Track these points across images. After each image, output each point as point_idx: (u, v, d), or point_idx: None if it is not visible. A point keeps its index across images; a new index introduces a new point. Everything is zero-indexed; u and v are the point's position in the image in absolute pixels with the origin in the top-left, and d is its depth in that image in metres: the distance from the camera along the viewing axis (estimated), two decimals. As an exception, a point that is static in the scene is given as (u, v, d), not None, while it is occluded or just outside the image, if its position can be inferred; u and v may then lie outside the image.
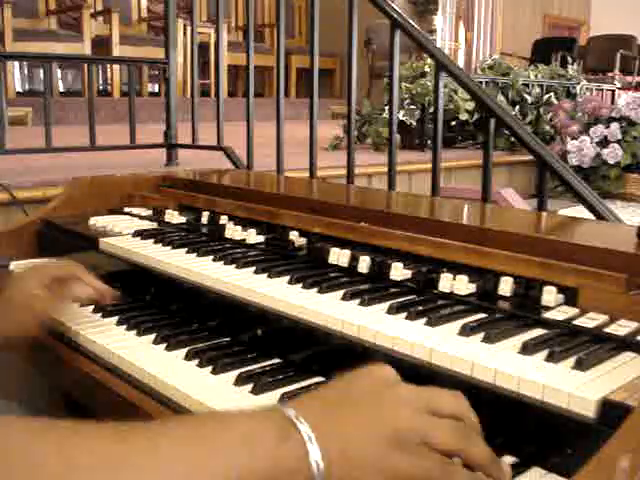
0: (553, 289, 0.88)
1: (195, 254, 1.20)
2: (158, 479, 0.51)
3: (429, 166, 2.34)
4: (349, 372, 0.63)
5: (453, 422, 0.59)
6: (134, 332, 1.05)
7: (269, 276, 1.06)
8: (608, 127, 4.59)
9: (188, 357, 0.94)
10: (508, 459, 0.67)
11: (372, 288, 0.99)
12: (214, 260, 1.16)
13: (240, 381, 0.86)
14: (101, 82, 7.65)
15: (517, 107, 4.95)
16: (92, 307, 1.15)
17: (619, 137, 4.54)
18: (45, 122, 2.85)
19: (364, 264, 1.05)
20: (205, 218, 1.41)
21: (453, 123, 4.61)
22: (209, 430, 0.55)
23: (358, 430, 0.56)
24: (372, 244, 1.13)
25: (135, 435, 0.54)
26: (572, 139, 4.65)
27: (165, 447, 0.53)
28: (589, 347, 0.75)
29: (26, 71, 7.42)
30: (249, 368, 0.89)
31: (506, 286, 0.92)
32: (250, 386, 0.84)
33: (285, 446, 0.54)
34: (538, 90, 5.08)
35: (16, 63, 6.76)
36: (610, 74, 7.69)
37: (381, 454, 0.55)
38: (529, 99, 4.99)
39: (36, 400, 0.97)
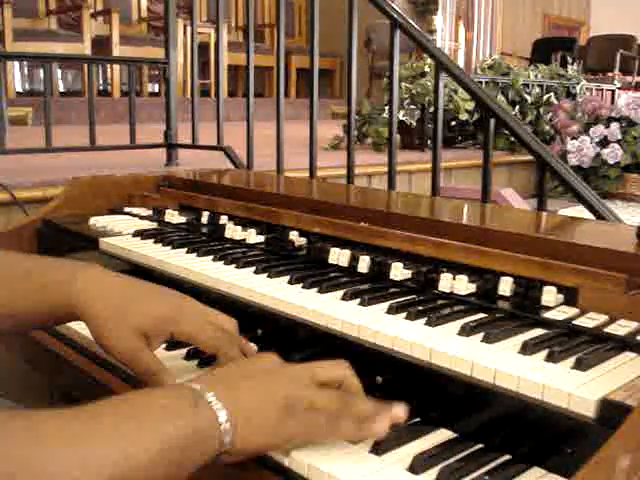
0: (553, 289, 0.88)
1: (195, 254, 1.20)
2: (110, 459, 0.57)
3: (429, 166, 2.34)
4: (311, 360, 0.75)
5: (329, 390, 0.71)
6: (134, 332, 1.05)
7: (269, 276, 1.06)
8: (608, 127, 4.59)
9: (188, 357, 0.94)
10: (506, 457, 0.68)
11: (372, 288, 0.99)
12: (214, 260, 1.16)
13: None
14: (101, 82, 7.66)
15: (517, 107, 4.96)
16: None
17: (619, 137, 4.54)
18: (45, 122, 2.85)
19: (364, 264, 1.05)
20: (205, 218, 1.41)
21: (453, 123, 4.61)
22: (138, 408, 0.63)
23: (257, 400, 0.67)
24: (372, 244, 1.13)
25: (81, 415, 0.60)
26: (572, 139, 4.66)
27: (109, 431, 0.59)
28: (589, 347, 0.75)
29: (26, 71, 7.43)
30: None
31: (506, 286, 0.92)
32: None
33: (199, 414, 0.63)
34: (538, 90, 5.08)
35: (16, 63, 6.77)
36: (610, 74, 7.70)
37: (276, 419, 0.66)
38: (529, 99, 4.99)
39: (36, 400, 0.97)
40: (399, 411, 0.71)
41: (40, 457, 0.55)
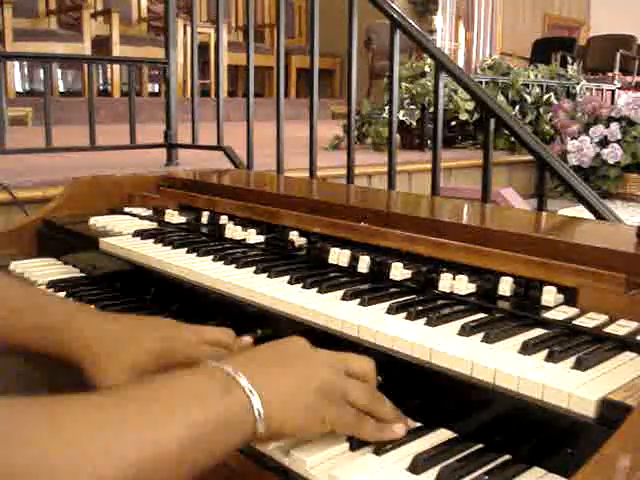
0: (553, 289, 0.88)
1: (195, 254, 1.20)
2: (135, 445, 0.56)
3: (429, 166, 2.35)
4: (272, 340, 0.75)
5: (363, 384, 0.71)
6: (134, 332, 1.05)
7: (269, 276, 1.06)
8: (608, 127, 4.60)
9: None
10: (506, 457, 0.68)
11: (372, 288, 0.99)
12: (214, 260, 1.16)
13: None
14: (101, 82, 7.66)
15: (517, 107, 4.96)
16: (92, 307, 1.15)
17: (619, 137, 4.54)
18: (45, 122, 2.86)
19: (364, 264, 1.05)
20: (205, 218, 1.41)
21: (453, 123, 4.61)
22: (166, 392, 0.62)
23: (291, 383, 0.66)
24: (372, 244, 1.13)
25: (105, 402, 0.60)
26: (572, 139, 4.66)
27: (132, 412, 0.58)
28: (589, 347, 0.75)
29: (26, 71, 7.42)
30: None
31: (506, 286, 0.92)
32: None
33: (230, 397, 0.62)
34: (538, 90, 5.08)
35: (16, 63, 6.77)
36: (610, 74, 7.70)
37: (313, 403, 0.66)
38: (529, 99, 4.99)
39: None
40: (409, 424, 0.72)
41: (59, 443, 0.53)
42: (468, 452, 0.68)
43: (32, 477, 0.51)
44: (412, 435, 0.71)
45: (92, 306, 1.14)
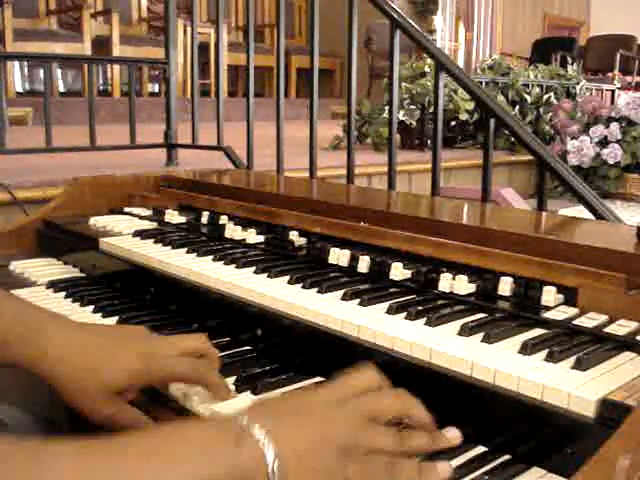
0: (553, 289, 0.88)
1: (195, 254, 1.20)
2: None
3: (429, 166, 2.34)
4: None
5: (388, 429, 0.63)
6: (134, 332, 1.05)
7: (269, 276, 1.06)
8: (608, 127, 4.59)
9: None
10: (506, 457, 0.68)
11: (372, 288, 0.99)
12: (214, 260, 1.16)
13: (240, 382, 0.86)
14: (101, 82, 7.66)
15: (517, 107, 4.96)
16: (92, 307, 1.15)
17: (619, 137, 4.54)
18: (45, 122, 2.86)
19: (364, 264, 1.05)
20: (205, 218, 1.41)
21: (453, 123, 4.61)
22: (169, 442, 0.57)
23: (311, 437, 0.59)
24: (372, 244, 1.13)
25: (98, 452, 0.55)
26: (572, 139, 4.66)
27: (129, 462, 0.54)
28: (589, 347, 0.75)
29: (26, 71, 7.42)
30: (249, 369, 0.89)
31: (506, 286, 0.92)
32: (250, 386, 0.84)
33: (242, 451, 0.56)
34: (538, 90, 5.08)
35: (16, 63, 6.77)
36: (610, 74, 7.70)
37: (332, 462, 0.59)
38: (529, 99, 4.99)
39: (36, 401, 0.96)
40: (455, 438, 0.66)
41: None
42: (468, 452, 0.68)
43: None
44: (412, 435, 0.71)
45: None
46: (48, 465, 0.52)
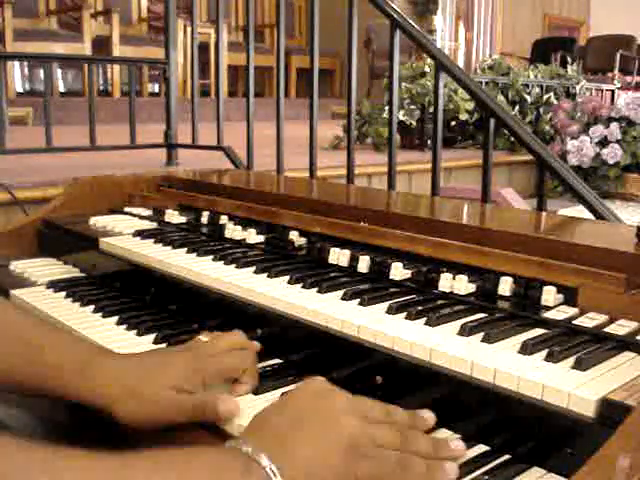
0: (553, 289, 0.88)
1: (195, 254, 1.20)
2: None
3: (429, 166, 2.34)
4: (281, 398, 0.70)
5: (390, 425, 0.65)
6: (134, 332, 1.05)
7: (269, 276, 1.06)
8: (608, 127, 4.59)
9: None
10: (506, 457, 0.68)
11: (372, 288, 0.99)
12: (214, 260, 1.16)
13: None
14: (101, 82, 7.66)
15: (517, 107, 4.96)
16: (92, 307, 1.15)
17: (619, 137, 4.54)
18: (45, 122, 2.86)
19: (364, 264, 1.05)
20: (205, 218, 1.42)
21: (453, 123, 4.61)
22: (178, 463, 0.58)
23: (316, 449, 0.60)
24: (372, 244, 1.13)
25: (108, 467, 0.55)
26: (572, 139, 4.66)
27: (139, 476, 0.55)
28: (589, 347, 0.75)
29: (26, 71, 7.42)
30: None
31: (506, 286, 0.92)
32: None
33: (251, 479, 0.57)
34: (538, 90, 5.08)
35: (16, 63, 6.77)
36: (610, 74, 7.70)
37: (343, 465, 0.59)
38: (529, 99, 4.99)
39: (36, 402, 0.96)
40: (458, 443, 0.67)
41: None
42: (468, 452, 0.68)
43: None
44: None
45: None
46: (61, 471, 0.52)
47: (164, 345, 0.99)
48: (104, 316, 1.12)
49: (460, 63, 8.40)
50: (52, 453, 0.54)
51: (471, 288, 0.94)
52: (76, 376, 0.78)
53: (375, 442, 0.62)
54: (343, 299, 0.94)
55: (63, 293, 1.23)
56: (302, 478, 0.58)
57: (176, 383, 0.76)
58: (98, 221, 1.48)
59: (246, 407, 0.78)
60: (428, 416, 0.70)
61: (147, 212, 1.55)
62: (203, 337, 0.86)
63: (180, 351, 0.83)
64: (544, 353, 0.74)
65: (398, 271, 1.01)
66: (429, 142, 3.95)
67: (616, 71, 7.78)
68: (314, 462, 0.59)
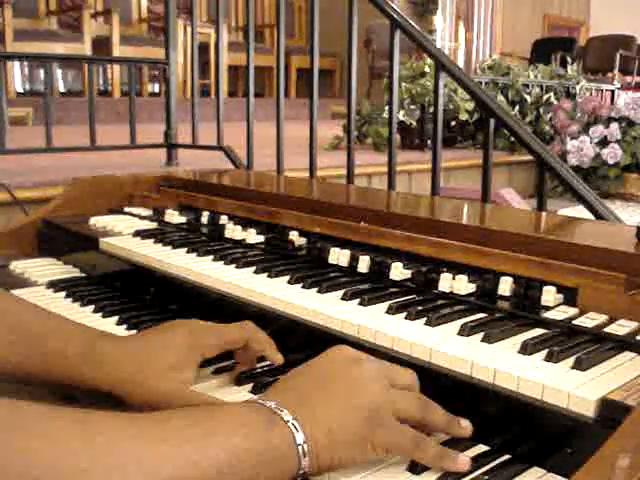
0: (553, 289, 0.88)
1: (195, 254, 1.20)
2: (170, 461, 0.55)
3: (429, 166, 2.35)
4: (311, 359, 0.71)
5: (413, 393, 0.68)
6: (134, 332, 1.05)
7: (269, 276, 1.06)
8: (608, 127, 4.60)
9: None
10: (505, 457, 0.68)
11: (372, 288, 0.99)
12: (214, 260, 1.16)
13: (240, 381, 0.86)
14: (101, 82, 7.66)
15: (517, 107, 4.96)
16: (92, 307, 1.15)
17: (619, 137, 4.55)
18: (45, 122, 2.86)
19: (364, 264, 1.05)
20: (205, 218, 1.42)
21: (453, 123, 4.61)
22: (207, 417, 0.60)
23: (337, 412, 0.62)
24: (372, 244, 1.13)
25: (144, 419, 0.59)
26: (572, 139, 4.66)
27: (172, 433, 0.57)
28: (588, 347, 0.75)
29: (26, 71, 7.42)
30: (245, 369, 0.89)
31: (506, 286, 0.92)
32: (250, 385, 0.84)
33: (274, 432, 0.60)
34: (538, 90, 5.08)
35: (16, 63, 6.77)
36: (609, 74, 7.70)
37: (361, 429, 0.62)
38: (529, 99, 4.99)
39: (35, 391, 0.96)
40: (465, 423, 0.69)
41: (89, 448, 0.52)
42: (468, 452, 0.68)
43: (55, 477, 0.50)
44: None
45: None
46: (95, 424, 0.55)
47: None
48: (104, 316, 1.12)
49: (460, 63, 8.40)
50: (83, 413, 0.56)
51: (471, 288, 0.94)
52: (80, 362, 0.79)
53: (394, 411, 0.64)
54: (343, 299, 0.94)
55: (63, 293, 1.23)
56: (322, 436, 0.61)
57: (173, 364, 0.78)
58: (98, 221, 1.48)
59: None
60: (464, 424, 0.70)
61: (147, 212, 1.55)
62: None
63: (180, 327, 0.84)
64: (544, 353, 0.74)
65: (398, 271, 1.01)
66: (429, 142, 3.95)
67: (616, 71, 7.78)
68: (335, 422, 0.61)
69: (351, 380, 0.65)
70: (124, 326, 1.08)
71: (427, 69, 4.57)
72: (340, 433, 0.61)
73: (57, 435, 0.52)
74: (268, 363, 0.92)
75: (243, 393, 0.84)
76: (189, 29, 4.16)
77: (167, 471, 0.54)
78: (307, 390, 0.65)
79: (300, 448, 0.60)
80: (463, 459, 0.64)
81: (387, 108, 3.52)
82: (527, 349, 0.75)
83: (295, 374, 0.69)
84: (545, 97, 5.07)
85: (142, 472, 0.53)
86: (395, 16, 2.30)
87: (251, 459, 0.58)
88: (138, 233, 1.35)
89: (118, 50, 6.67)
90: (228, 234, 1.30)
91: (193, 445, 0.56)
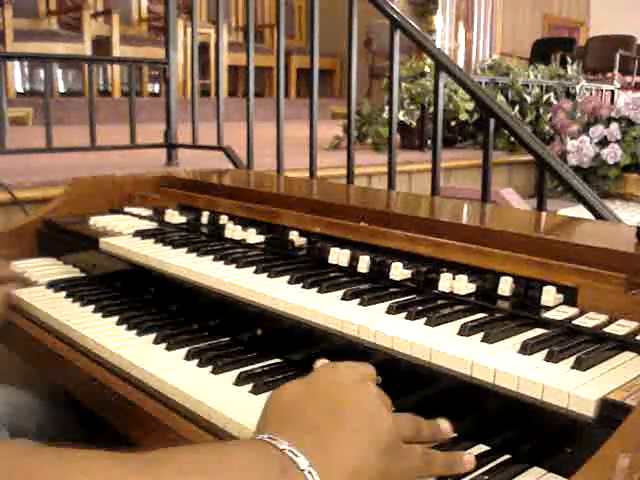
0: (552, 289, 0.88)
1: (195, 254, 1.20)
2: None
3: (429, 166, 2.34)
4: (312, 374, 0.66)
5: (404, 416, 0.65)
6: (134, 332, 1.05)
7: (269, 276, 1.06)
8: (608, 127, 4.59)
9: (188, 357, 0.94)
10: (506, 457, 0.68)
11: (372, 288, 0.99)
12: (214, 260, 1.16)
13: (240, 381, 0.86)
14: (101, 82, 7.65)
15: (517, 107, 4.96)
16: (93, 307, 1.15)
17: (618, 137, 4.54)
18: (45, 122, 2.86)
19: (364, 264, 1.05)
20: (205, 218, 1.42)
21: (453, 123, 4.61)
22: (210, 463, 0.54)
23: (355, 448, 0.57)
24: (372, 244, 1.13)
25: (135, 463, 0.52)
26: (572, 139, 4.66)
27: (165, 476, 0.51)
28: (588, 347, 0.75)
29: (26, 71, 7.42)
30: (249, 368, 0.90)
31: (505, 286, 0.92)
32: (250, 386, 0.84)
33: None
34: (538, 90, 5.08)
35: (16, 63, 6.77)
36: (609, 74, 7.70)
37: (381, 464, 0.57)
38: (529, 99, 4.99)
39: (36, 385, 0.96)
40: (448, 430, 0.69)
41: None
42: (467, 452, 0.68)
43: None
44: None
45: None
46: (83, 470, 0.50)
47: (164, 345, 0.99)
48: (104, 316, 1.12)
49: (460, 63, 8.39)
50: (70, 454, 0.51)
51: (471, 288, 0.94)
52: None
53: (402, 434, 0.61)
54: (343, 299, 0.94)
55: (63, 293, 1.23)
56: (344, 478, 0.55)
57: None
58: (98, 221, 1.48)
59: (246, 405, 0.78)
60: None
61: (147, 212, 1.55)
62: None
63: None
64: (544, 353, 0.74)
65: (398, 271, 1.01)
66: (429, 142, 3.95)
67: (616, 71, 7.78)
68: (355, 462, 0.56)
69: (360, 407, 0.61)
70: (124, 326, 1.08)
71: (427, 69, 4.57)
72: (363, 474, 0.56)
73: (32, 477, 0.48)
74: (268, 363, 0.92)
75: (243, 393, 0.84)
76: (189, 29, 4.16)
77: None
78: (320, 425, 0.58)
79: None
80: (468, 458, 0.65)
81: (387, 108, 3.52)
82: (527, 349, 0.75)
83: (302, 400, 0.62)
84: (545, 97, 5.07)
85: None
86: (395, 16, 2.30)
87: None
88: (138, 233, 1.35)
89: (118, 50, 6.67)
90: (228, 234, 1.30)
91: None
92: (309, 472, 0.53)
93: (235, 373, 0.87)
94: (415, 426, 0.65)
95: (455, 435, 0.71)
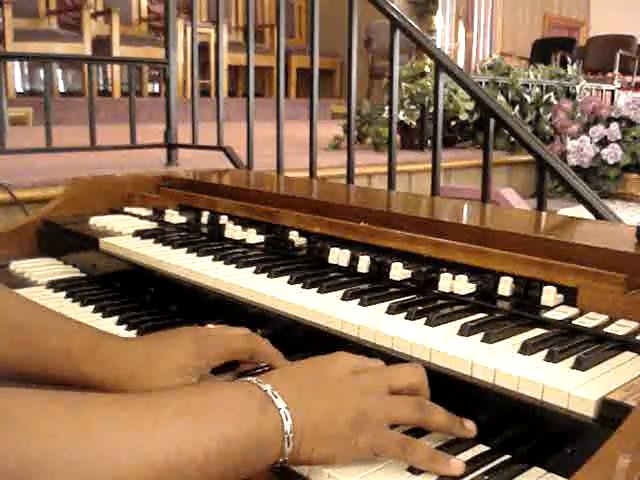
0: (553, 289, 0.88)
1: (195, 254, 1.20)
2: (158, 444, 0.56)
3: (429, 166, 2.34)
4: (316, 357, 0.73)
5: (410, 398, 0.68)
6: (134, 332, 1.05)
7: (269, 276, 1.06)
8: (608, 127, 4.60)
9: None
10: (506, 457, 0.68)
11: (372, 288, 0.99)
12: (214, 260, 1.16)
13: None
14: (101, 82, 7.66)
15: (517, 107, 4.96)
16: (92, 307, 1.15)
17: (619, 137, 4.55)
18: (45, 122, 2.86)
19: (364, 264, 1.05)
20: (205, 218, 1.42)
21: (453, 123, 4.61)
22: (198, 402, 0.61)
23: (326, 409, 0.64)
24: (372, 244, 1.13)
25: (137, 404, 0.59)
26: (572, 139, 4.66)
27: (164, 420, 0.58)
28: (588, 347, 0.75)
29: (26, 71, 7.42)
30: (249, 368, 0.89)
31: (506, 286, 0.92)
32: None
33: (264, 419, 0.61)
34: (538, 90, 5.08)
35: (16, 63, 6.77)
36: (609, 74, 7.70)
37: (345, 429, 0.63)
38: (529, 99, 4.99)
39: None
40: (469, 424, 0.69)
41: (80, 437, 0.53)
42: (468, 452, 0.68)
43: (47, 470, 0.51)
44: (411, 435, 0.71)
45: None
46: (87, 412, 0.56)
47: (164, 345, 0.99)
48: (104, 316, 1.12)
49: (460, 63, 8.40)
50: (78, 397, 0.58)
51: (471, 288, 0.94)
52: (83, 359, 0.79)
53: (387, 419, 0.65)
54: (343, 299, 0.94)
55: (63, 293, 1.23)
56: (308, 431, 0.62)
57: (178, 367, 0.78)
58: (98, 221, 1.48)
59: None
60: (469, 426, 0.70)
61: (147, 212, 1.55)
62: (210, 325, 0.88)
63: (187, 333, 0.84)
64: (544, 353, 0.74)
65: (398, 271, 1.01)
66: (429, 142, 3.95)
67: (616, 71, 7.79)
68: (322, 418, 0.63)
69: (346, 387, 0.67)
70: (124, 326, 1.08)
71: (427, 69, 4.57)
72: (325, 427, 0.63)
73: (50, 427, 0.53)
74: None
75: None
76: (189, 29, 4.15)
77: (159, 461, 0.55)
78: (304, 383, 0.67)
79: (286, 437, 0.61)
80: (456, 463, 0.64)
81: (387, 108, 3.52)
82: (527, 349, 0.74)
83: (298, 366, 0.72)
84: (545, 97, 5.07)
85: (133, 463, 0.54)
86: (395, 16, 2.30)
87: (239, 447, 0.59)
88: (138, 233, 1.35)
89: (118, 50, 6.67)
90: (228, 234, 1.30)
91: (185, 434, 0.57)
92: (284, 412, 0.61)
93: (235, 373, 0.87)
94: (419, 411, 0.67)
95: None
